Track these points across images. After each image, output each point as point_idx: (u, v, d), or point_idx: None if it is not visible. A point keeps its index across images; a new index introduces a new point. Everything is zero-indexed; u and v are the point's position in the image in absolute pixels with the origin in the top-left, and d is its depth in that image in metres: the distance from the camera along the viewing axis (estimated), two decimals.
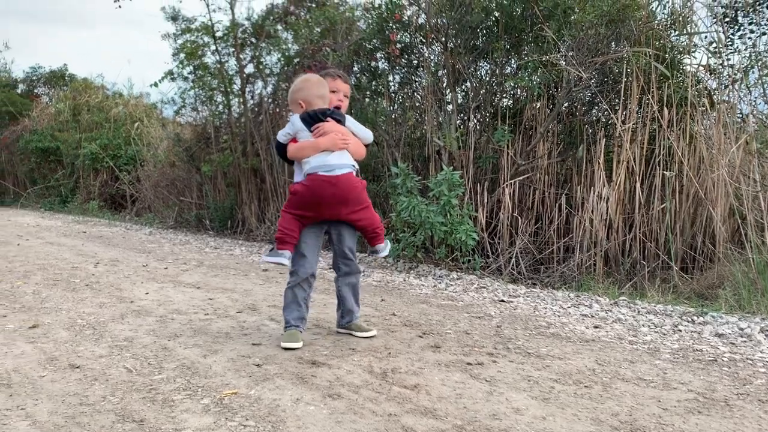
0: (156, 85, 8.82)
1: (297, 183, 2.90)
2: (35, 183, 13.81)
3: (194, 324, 3.36)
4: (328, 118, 2.89)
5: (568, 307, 3.77)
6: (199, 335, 3.14)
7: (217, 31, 8.39)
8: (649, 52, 4.77)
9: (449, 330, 3.22)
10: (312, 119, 2.87)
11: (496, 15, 5.54)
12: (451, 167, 4.99)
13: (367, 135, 3.08)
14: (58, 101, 14.33)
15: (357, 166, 2.96)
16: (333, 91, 2.96)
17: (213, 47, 8.57)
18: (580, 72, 4.78)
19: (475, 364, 2.67)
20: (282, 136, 2.96)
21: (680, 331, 3.26)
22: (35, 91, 16.57)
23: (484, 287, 4.33)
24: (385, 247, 3.07)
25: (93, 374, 2.57)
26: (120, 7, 8.56)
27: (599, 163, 4.91)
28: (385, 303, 3.83)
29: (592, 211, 4.82)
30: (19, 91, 16.37)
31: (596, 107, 5.68)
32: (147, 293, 4.16)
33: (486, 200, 5.23)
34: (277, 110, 8.22)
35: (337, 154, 2.84)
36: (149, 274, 4.94)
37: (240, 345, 2.96)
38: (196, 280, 4.65)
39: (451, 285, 4.40)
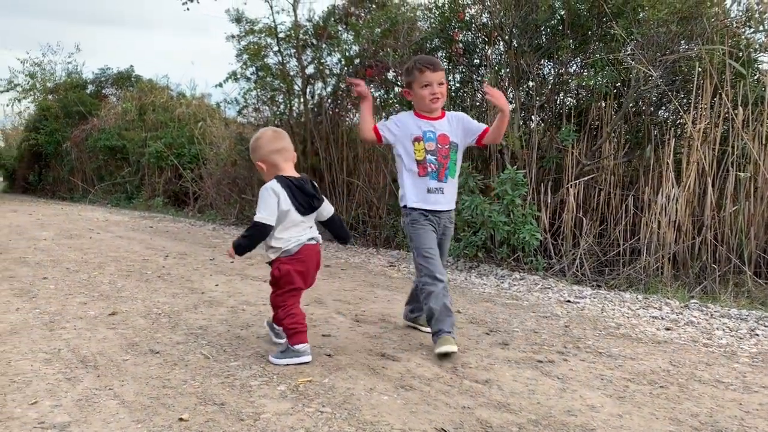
0: (220, 85, 9.07)
1: (283, 261, 2.61)
2: (103, 180, 14.36)
3: (264, 315, 3.44)
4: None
5: (637, 309, 3.69)
6: None
7: (280, 32, 8.55)
8: (723, 49, 4.63)
9: (516, 328, 3.21)
10: (298, 191, 2.60)
11: (562, 13, 5.47)
12: (514, 167, 4.96)
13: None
14: (125, 101, 14.86)
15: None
16: (426, 85, 2.79)
17: (275, 48, 8.75)
18: (650, 70, 4.67)
19: (545, 361, 2.65)
20: (266, 216, 2.56)
21: (757, 335, 3.16)
22: (103, 91, 17.23)
23: (549, 288, 4.28)
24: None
25: (172, 359, 2.67)
26: (188, 9, 8.81)
27: (668, 164, 4.79)
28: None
29: (660, 213, 4.71)
30: (88, 91, 17.06)
31: (664, 107, 5.55)
32: (217, 285, 4.29)
33: (549, 200, 5.17)
34: (337, 110, 8.32)
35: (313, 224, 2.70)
36: (217, 267, 5.09)
37: (310, 336, 3.01)
38: (262, 273, 4.76)
39: (515, 285, 4.37)
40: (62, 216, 10.31)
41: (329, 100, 8.54)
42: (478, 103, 6.48)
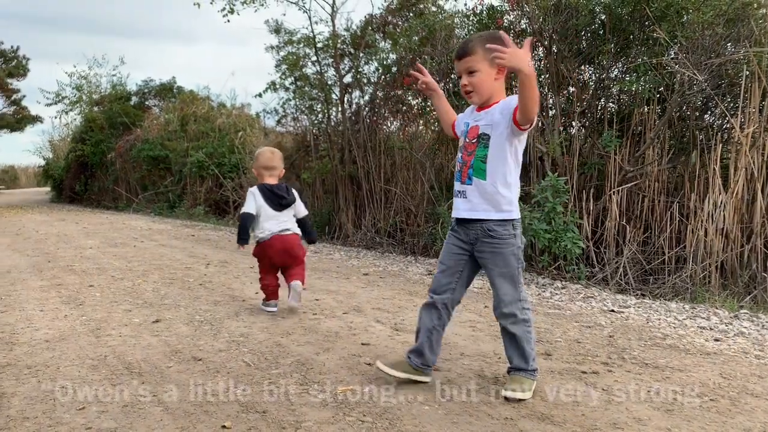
0: (260, 95, 9.25)
1: (259, 245, 3.74)
2: (146, 189, 14.68)
3: (304, 323, 3.46)
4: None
5: (684, 319, 3.59)
6: (310, 333, 3.23)
7: (318, 42, 8.64)
8: None
9: (559, 338, 3.15)
10: (269, 193, 3.66)
11: (603, 18, 5.39)
12: (555, 173, 4.89)
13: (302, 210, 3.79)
14: (168, 112, 15.19)
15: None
16: (459, 77, 2.36)
17: (313, 58, 8.84)
18: (695, 74, 4.56)
19: (589, 372, 2.60)
20: (246, 209, 3.65)
21: None
22: (146, 103, 17.65)
23: (592, 297, 4.20)
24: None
25: (215, 366, 2.70)
26: (228, 21, 8.97)
27: (714, 170, 4.66)
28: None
29: (707, 220, 4.58)
30: (132, 103, 17.51)
31: (710, 111, 5.40)
32: (257, 293, 4.32)
33: (591, 208, 5.08)
34: (374, 118, 8.35)
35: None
36: (257, 275, 5.13)
37: (350, 344, 3.03)
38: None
39: (556, 294, 4.30)
40: (107, 225, 10.57)
41: (367, 109, 8.57)
42: None
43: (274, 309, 3.75)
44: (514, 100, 2.21)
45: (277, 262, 3.69)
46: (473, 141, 2.33)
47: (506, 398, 2.27)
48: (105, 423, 2.10)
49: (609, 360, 2.78)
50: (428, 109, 7.33)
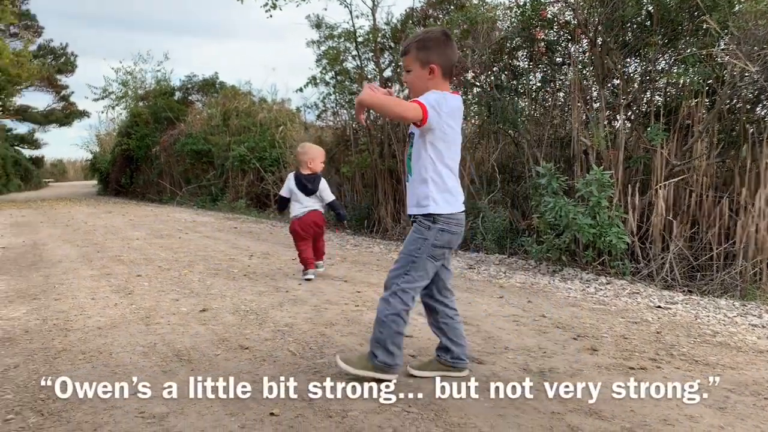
0: (301, 90, 9.29)
1: (293, 222, 4.66)
2: (189, 182, 14.97)
3: (347, 314, 3.49)
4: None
5: (734, 317, 3.50)
6: (353, 324, 3.26)
7: (359, 36, 8.66)
8: None
9: (605, 334, 3.11)
10: (301, 181, 4.60)
11: (650, 9, 5.27)
12: (600, 167, 4.81)
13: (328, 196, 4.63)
14: (210, 107, 15.44)
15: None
16: (408, 71, 2.38)
17: (354, 52, 8.87)
18: (747, 66, 4.43)
19: (637, 368, 2.56)
20: (283, 192, 4.71)
21: None
22: (190, 97, 17.98)
23: (637, 293, 4.13)
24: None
25: (261, 355, 2.75)
26: (271, 16, 9.07)
27: (766, 164, 4.53)
28: (532, 305, 3.77)
29: (759, 216, 4.45)
30: (176, 98, 17.85)
31: (762, 104, 5.24)
32: (300, 284, 4.39)
33: (636, 202, 4.98)
34: None
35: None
36: (298, 266, 5.19)
37: None
38: (342, 273, 4.83)
39: (601, 289, 4.24)
40: (152, 217, 10.82)
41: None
42: (560, 102, 6.34)
43: (312, 277, 4.57)
44: (425, 98, 2.27)
45: (306, 232, 4.60)
46: (408, 140, 2.44)
47: (336, 363, 2.42)
48: (157, 408, 2.16)
49: (657, 356, 2.73)
50: (469, 102, 7.29)
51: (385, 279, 2.40)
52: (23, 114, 29.14)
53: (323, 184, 4.62)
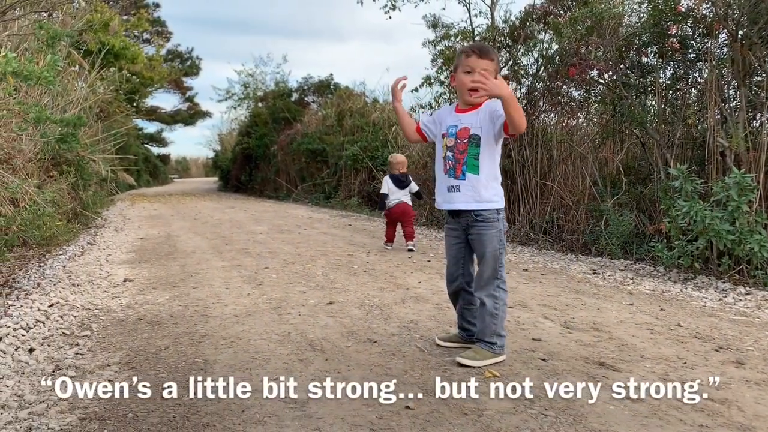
0: (416, 90, 9.34)
1: (388, 210, 6.35)
2: (304, 180, 15.50)
3: None
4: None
5: None
6: None
7: (477, 35, 8.60)
8: None
9: (750, 347, 2.91)
10: (395, 179, 6.30)
11: None
12: (741, 170, 4.49)
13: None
14: (325, 107, 15.91)
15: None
16: (468, 71, 2.61)
17: None
18: None
19: None
20: (383, 190, 6.34)
21: None
22: (306, 99, 18.61)
23: None
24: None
25: (390, 350, 2.81)
26: (390, 17, 9.22)
27: None
28: (665, 313, 3.59)
29: None
30: (293, 99, 18.55)
31: None
32: (419, 282, 4.43)
33: None
34: (531, 111, 8.16)
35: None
36: (415, 264, 5.25)
37: (520, 339, 3.01)
38: None
39: (741, 300, 3.96)
40: (271, 213, 11.30)
41: (524, 101, 8.40)
42: (693, 100, 5.99)
43: (389, 247, 6.27)
44: (498, 105, 2.52)
45: (397, 218, 6.26)
46: (465, 141, 2.65)
47: (459, 364, 2.56)
48: (298, 394, 2.26)
49: None
50: (592, 100, 7.05)
51: (477, 280, 2.68)
52: (153, 114, 31.35)
53: (410, 179, 6.38)
